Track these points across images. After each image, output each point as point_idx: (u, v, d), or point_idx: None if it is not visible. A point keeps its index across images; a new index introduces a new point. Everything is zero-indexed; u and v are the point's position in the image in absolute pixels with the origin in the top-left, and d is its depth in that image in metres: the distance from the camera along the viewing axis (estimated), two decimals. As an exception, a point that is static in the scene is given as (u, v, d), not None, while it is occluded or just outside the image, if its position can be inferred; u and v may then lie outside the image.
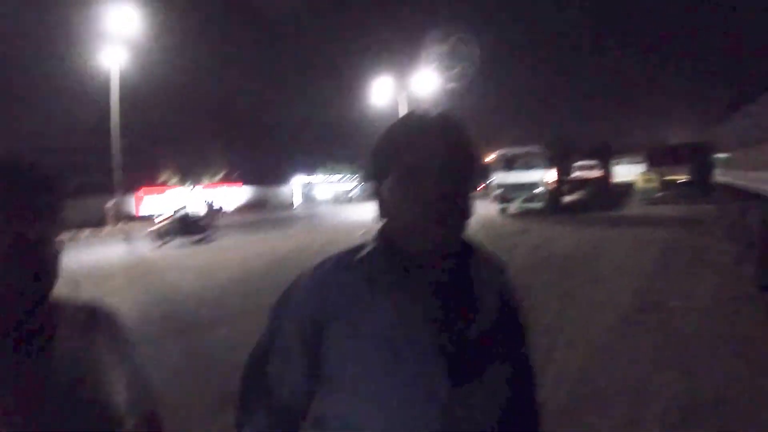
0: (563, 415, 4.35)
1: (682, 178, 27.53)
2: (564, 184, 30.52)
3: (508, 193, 25.37)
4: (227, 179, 51.52)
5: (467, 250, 1.24)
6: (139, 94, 39.03)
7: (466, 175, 1.15)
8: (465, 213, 1.15)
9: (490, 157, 27.78)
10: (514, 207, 25.63)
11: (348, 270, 1.17)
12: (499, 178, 25.81)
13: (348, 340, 1.10)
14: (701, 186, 24.69)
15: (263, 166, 58.19)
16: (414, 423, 1.07)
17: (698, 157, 25.51)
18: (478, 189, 1.23)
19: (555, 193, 26.78)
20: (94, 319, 1.26)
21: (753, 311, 7.05)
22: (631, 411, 4.44)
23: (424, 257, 1.13)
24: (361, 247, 1.22)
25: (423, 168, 1.10)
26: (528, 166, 25.63)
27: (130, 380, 1.28)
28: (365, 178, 1.29)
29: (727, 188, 13.19)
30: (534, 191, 24.92)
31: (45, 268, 1.09)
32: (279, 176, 57.42)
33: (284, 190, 57.88)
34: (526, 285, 9.12)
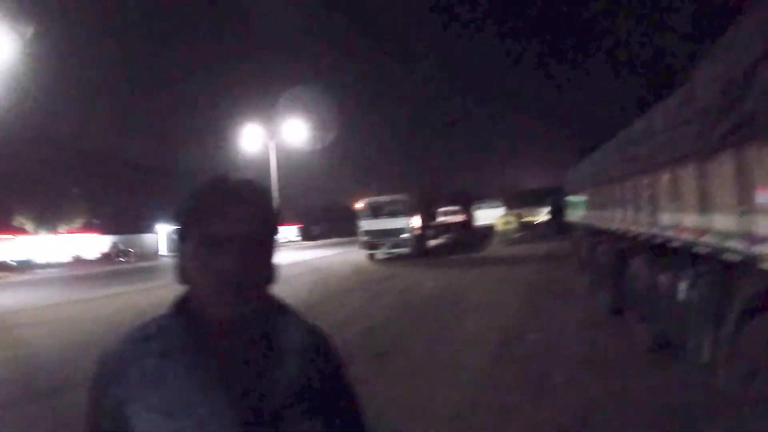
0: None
1: (538, 219, 29.28)
2: (429, 229, 31.42)
3: (376, 239, 25.65)
4: (87, 227, 48.33)
5: (274, 315, 1.21)
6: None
7: (266, 241, 1.14)
8: (267, 279, 1.15)
9: (358, 205, 28.14)
10: (381, 253, 25.89)
11: (145, 344, 1.12)
12: (367, 225, 26.08)
13: (150, 415, 1.05)
14: (555, 225, 26.40)
15: (127, 213, 55.24)
16: None
17: (552, 200, 27.30)
18: (275, 253, 1.18)
19: (420, 237, 27.44)
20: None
21: (607, 335, 7.46)
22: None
23: (224, 326, 1.10)
24: (160, 317, 1.17)
25: (220, 237, 1.08)
26: (394, 213, 26.14)
27: None
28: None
29: (580, 226, 14.04)
30: (400, 237, 25.36)
31: None
32: (143, 224, 54.64)
33: (148, 237, 55.11)
34: (394, 329, 9.19)
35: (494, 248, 26.64)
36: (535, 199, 30.66)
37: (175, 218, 1.17)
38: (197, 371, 1.08)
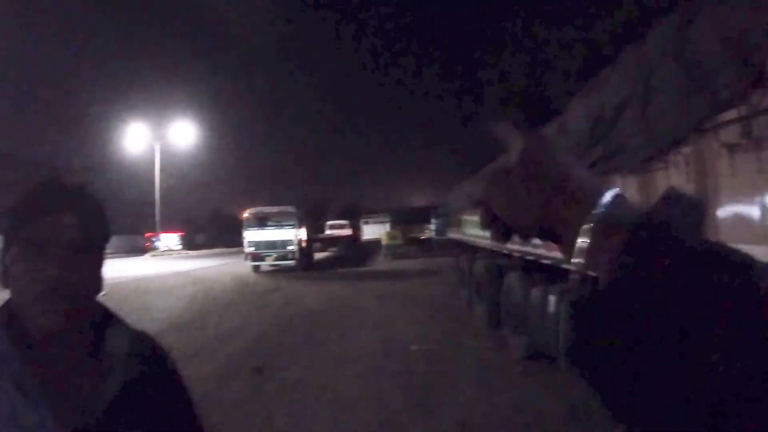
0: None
1: (422, 235, 30.08)
2: (316, 241, 31.39)
3: (261, 250, 25.22)
4: None
5: (100, 324, 1.19)
6: None
7: (93, 250, 1.12)
8: (94, 288, 1.12)
9: (244, 215, 27.66)
10: (266, 264, 25.53)
11: None
12: (252, 235, 25.61)
13: None
14: (439, 242, 27.23)
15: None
16: None
17: (435, 217, 28.15)
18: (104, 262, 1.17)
19: (307, 250, 27.33)
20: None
21: (484, 346, 7.82)
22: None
23: (48, 334, 1.06)
24: None
25: (45, 241, 1.05)
26: (280, 224, 25.86)
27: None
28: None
29: (460, 243, 14.57)
30: (286, 248, 25.10)
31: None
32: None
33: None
34: (275, 343, 9.10)
35: (380, 262, 27.01)
36: (420, 216, 31.58)
37: (2, 219, 1.13)
38: (22, 382, 1.03)
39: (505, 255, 8.19)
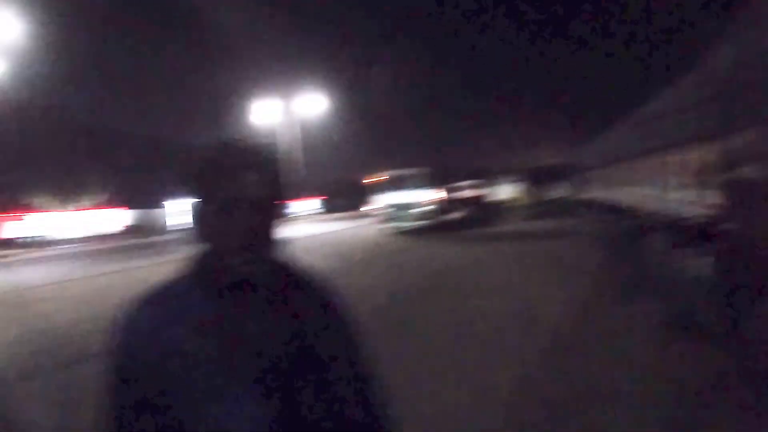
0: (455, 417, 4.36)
1: (554, 195, 29.23)
2: (447, 203, 31.39)
3: (395, 212, 25.73)
4: (101, 203, 48.96)
5: (286, 274, 1.28)
6: (14, 109, 36.24)
7: (273, 204, 1.20)
8: (272, 241, 1.20)
9: (377, 179, 28.18)
10: (399, 226, 25.96)
11: (163, 302, 1.19)
12: (385, 198, 26.16)
13: (168, 372, 1.12)
14: (571, 202, 26.33)
15: (140, 188, 55.74)
16: None
17: (568, 176, 27.20)
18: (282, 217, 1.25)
19: (439, 211, 27.45)
20: None
21: (622, 309, 7.51)
22: (511, 412, 4.50)
23: (233, 283, 1.17)
24: (178, 276, 1.25)
25: (234, 196, 1.14)
26: (412, 186, 26.15)
27: None
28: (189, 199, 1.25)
29: (595, 203, 14.03)
30: (418, 210, 25.39)
31: None
32: (155, 199, 55.21)
33: (159, 213, 55.65)
34: (410, 301, 9.32)
35: (511, 223, 26.63)
36: (553, 175, 30.55)
37: (189, 174, 1.22)
38: (214, 328, 1.14)
39: (646, 215, 7.80)
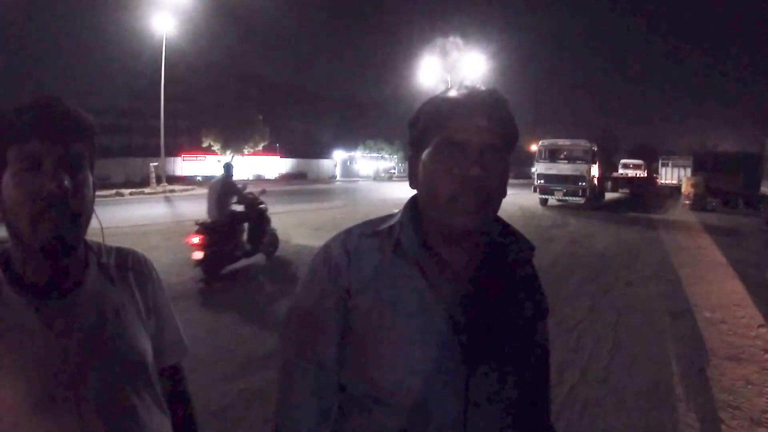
0: (591, 409, 4.50)
1: (729, 186, 26.99)
2: (608, 180, 30.13)
3: (550, 184, 25.07)
4: (269, 149, 52.22)
5: (498, 229, 1.24)
6: (184, 60, 39.55)
7: (506, 155, 1.14)
8: (500, 192, 1.13)
9: (535, 147, 27.57)
10: (554, 199, 25.38)
11: (374, 240, 1.17)
12: (542, 168, 25.52)
13: (373, 311, 1.11)
14: (750, 196, 24.23)
15: (305, 138, 58.67)
16: (433, 402, 1.08)
17: (748, 167, 25.00)
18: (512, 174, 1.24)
19: (598, 188, 26.45)
20: (125, 263, 1.28)
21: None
22: (647, 416, 4.54)
23: (453, 233, 1.12)
24: (389, 216, 1.23)
25: (464, 142, 1.08)
26: (572, 159, 25.31)
27: (159, 329, 1.30)
28: (406, 151, 1.26)
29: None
30: (577, 184, 24.55)
31: (81, 211, 1.10)
32: (320, 149, 58.01)
33: (325, 163, 58.42)
34: (558, 279, 9.30)
35: (677, 212, 25.06)
36: (728, 164, 27.95)
37: (414, 122, 1.19)
38: (426, 275, 1.11)
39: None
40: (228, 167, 9.15)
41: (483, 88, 1.16)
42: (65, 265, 1.14)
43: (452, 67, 41.61)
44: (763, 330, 6.87)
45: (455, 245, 1.14)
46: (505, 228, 1.25)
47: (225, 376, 4.91)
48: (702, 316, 7.49)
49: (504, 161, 1.13)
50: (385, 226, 1.19)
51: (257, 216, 9.55)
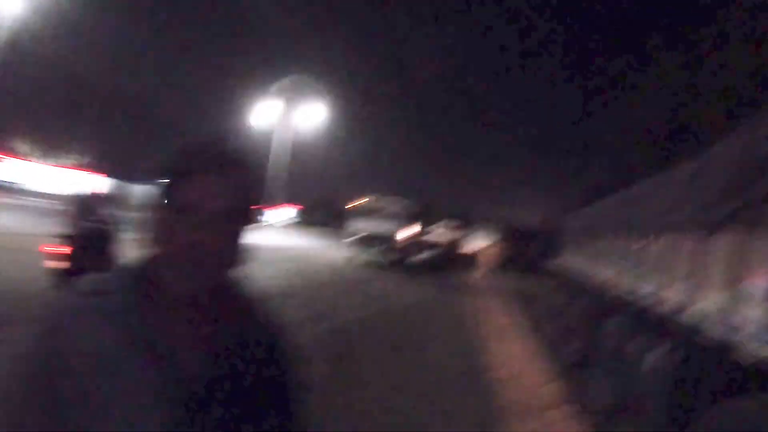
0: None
1: (525, 254, 29.38)
2: (419, 242, 31.34)
3: (364, 241, 25.49)
4: (86, 166, 48.40)
5: (234, 299, 1.15)
6: (15, 52, 35.52)
7: (243, 219, 1.07)
8: (230, 260, 1.07)
9: (354, 203, 28.07)
10: (366, 256, 25.73)
11: (91, 301, 1.05)
12: (359, 224, 25.95)
13: (83, 379, 0.98)
14: (543, 264, 26.44)
15: (132, 161, 55.18)
16: None
17: (545, 239, 27.35)
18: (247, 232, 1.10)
19: (409, 249, 27.28)
20: None
21: (566, 388, 7.24)
22: None
23: (179, 299, 1.04)
24: (115, 274, 1.12)
25: (196, 204, 1.01)
26: (388, 218, 26.01)
27: None
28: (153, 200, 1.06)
29: (565, 269, 13.97)
30: (389, 244, 25.13)
31: None
32: (138, 176, 54.71)
33: (139, 190, 55.14)
34: (358, 335, 9.05)
35: (477, 275, 26.62)
36: (528, 236, 30.76)
37: (155, 175, 1.10)
38: (140, 340, 1.02)
39: (611, 295, 7.66)
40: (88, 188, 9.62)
41: (232, 146, 1.09)
42: None
43: (290, 113, 41.75)
44: (550, 386, 7.07)
45: (182, 311, 1.06)
46: (243, 296, 1.17)
47: None
48: (494, 373, 7.58)
49: (238, 227, 1.06)
50: (107, 284, 1.08)
51: (108, 236, 9.38)
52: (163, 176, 1.06)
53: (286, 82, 42.26)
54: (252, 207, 1.09)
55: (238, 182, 1.05)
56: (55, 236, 8.45)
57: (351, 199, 28.99)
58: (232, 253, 1.06)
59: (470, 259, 33.95)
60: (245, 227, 1.08)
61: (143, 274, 1.08)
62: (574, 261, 12.99)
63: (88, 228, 8.79)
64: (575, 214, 15.47)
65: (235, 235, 1.06)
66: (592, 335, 7.54)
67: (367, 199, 27.23)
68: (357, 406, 5.58)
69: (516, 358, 8.66)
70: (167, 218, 1.03)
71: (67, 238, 8.46)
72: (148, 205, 1.08)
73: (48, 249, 8.46)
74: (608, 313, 7.25)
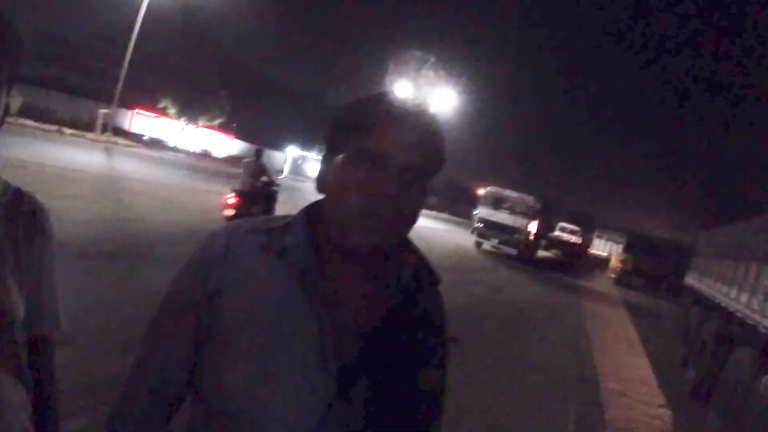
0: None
1: (655, 270, 27.93)
2: (543, 239, 30.75)
3: (488, 230, 25.42)
4: (224, 127, 51.20)
5: (401, 251, 1.10)
6: (163, 18, 38.24)
7: (427, 178, 1.03)
8: (413, 217, 1.03)
9: (481, 191, 27.98)
10: (489, 245, 25.70)
11: (261, 237, 1.04)
12: (484, 213, 25.88)
13: (238, 317, 0.98)
14: (671, 284, 25.11)
15: (263, 126, 57.71)
16: (295, 415, 0.95)
17: (677, 256, 25.87)
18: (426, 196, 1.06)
19: (532, 244, 26.92)
20: (18, 206, 1.14)
21: (682, 414, 7.10)
22: None
23: (351, 250, 1.00)
24: (284, 217, 1.10)
25: (385, 156, 0.97)
26: (514, 210, 25.78)
27: (36, 291, 1.15)
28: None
29: (696, 293, 13.30)
30: (513, 236, 24.95)
31: None
32: (275, 141, 57.12)
33: (276, 155, 57.61)
34: (472, 322, 9.19)
35: (601, 282, 25.76)
36: (659, 249, 29.07)
37: (332, 125, 1.07)
38: (304, 286, 0.99)
39: (738, 322, 7.29)
40: (259, 152, 11.89)
41: (417, 101, 1.02)
42: None
43: (420, 94, 42.05)
44: (662, 410, 6.91)
45: (350, 263, 1.03)
46: (414, 255, 1.12)
47: (102, 353, 4.37)
48: (606, 386, 7.50)
49: (424, 185, 1.02)
50: (278, 224, 1.07)
51: (272, 195, 11.80)
52: (344, 129, 1.03)
53: (418, 66, 42.36)
54: (436, 164, 1.05)
55: (425, 136, 1.00)
56: (229, 191, 10.70)
57: (477, 186, 28.89)
58: (414, 209, 1.02)
59: (595, 264, 32.92)
60: (428, 184, 1.04)
61: (317, 223, 1.06)
62: (704, 281, 12.36)
63: (258, 187, 11.17)
64: (712, 231, 14.62)
65: (420, 191, 1.01)
66: (717, 365, 7.24)
67: (493, 189, 27.07)
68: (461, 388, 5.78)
69: (631, 375, 8.49)
70: (349, 171, 0.99)
71: (241, 193, 10.71)
72: (327, 159, 1.06)
73: (226, 200, 10.64)
74: (737, 343, 6.95)
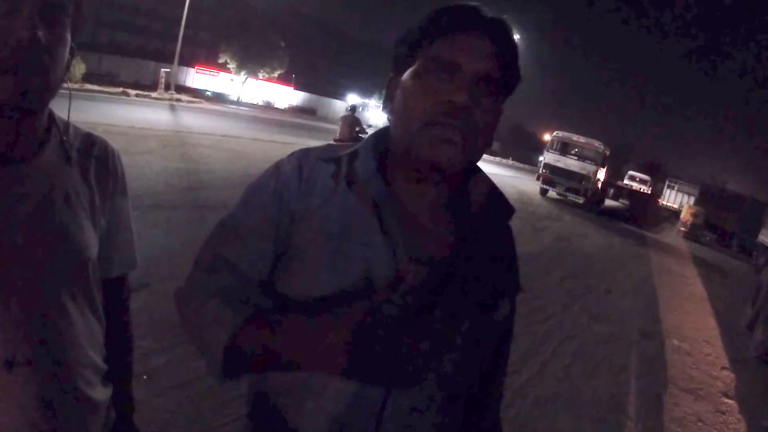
0: (543, 405, 4.46)
1: (727, 225, 27.02)
2: (611, 187, 29.98)
3: (555, 176, 24.75)
4: (284, 78, 51.49)
5: (473, 178, 1.06)
6: None
7: (501, 94, 0.97)
8: (486, 133, 0.95)
9: (547, 137, 27.28)
10: (555, 192, 25.19)
11: (331, 165, 1.01)
12: (551, 159, 25.16)
13: (311, 243, 0.95)
14: (743, 240, 24.28)
15: (323, 74, 57.72)
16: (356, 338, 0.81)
17: (751, 213, 24.94)
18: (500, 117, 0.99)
19: (600, 193, 26.27)
20: (90, 150, 1.14)
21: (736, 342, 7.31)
22: (594, 425, 4.52)
23: (422, 167, 0.95)
24: (350, 145, 1.07)
25: (457, 63, 0.91)
26: (582, 156, 25.02)
27: (110, 233, 1.17)
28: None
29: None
30: (581, 183, 24.28)
31: (51, 69, 0.95)
32: (335, 89, 57.27)
33: (337, 103, 57.91)
34: (540, 270, 9.25)
35: (670, 236, 25.04)
36: (733, 204, 27.95)
37: (403, 38, 1.00)
38: (378, 214, 0.95)
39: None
40: (354, 108, 13.70)
41: (490, 11, 0.96)
42: (20, 129, 0.98)
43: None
44: (725, 372, 6.86)
45: (422, 183, 0.98)
46: (485, 183, 1.07)
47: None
48: (670, 342, 7.47)
49: (498, 100, 0.95)
50: (345, 152, 1.03)
51: None
52: (414, 41, 0.96)
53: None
54: (511, 78, 0.98)
55: (501, 46, 0.94)
56: (332, 140, 11.10)
57: (543, 132, 28.17)
58: (487, 125, 0.94)
59: (665, 216, 32.03)
60: (503, 101, 0.99)
61: (384, 150, 1.02)
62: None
63: (354, 136, 12.21)
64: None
65: (493, 105, 0.95)
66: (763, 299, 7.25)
67: (561, 134, 26.21)
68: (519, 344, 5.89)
69: (696, 333, 8.40)
70: (417, 81, 0.94)
71: (341, 142, 11.32)
72: (395, 78, 1.01)
73: None
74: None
